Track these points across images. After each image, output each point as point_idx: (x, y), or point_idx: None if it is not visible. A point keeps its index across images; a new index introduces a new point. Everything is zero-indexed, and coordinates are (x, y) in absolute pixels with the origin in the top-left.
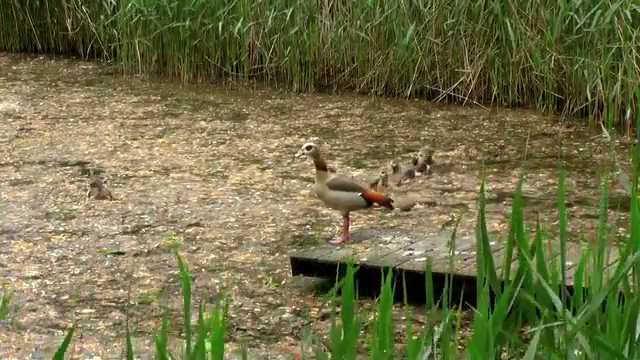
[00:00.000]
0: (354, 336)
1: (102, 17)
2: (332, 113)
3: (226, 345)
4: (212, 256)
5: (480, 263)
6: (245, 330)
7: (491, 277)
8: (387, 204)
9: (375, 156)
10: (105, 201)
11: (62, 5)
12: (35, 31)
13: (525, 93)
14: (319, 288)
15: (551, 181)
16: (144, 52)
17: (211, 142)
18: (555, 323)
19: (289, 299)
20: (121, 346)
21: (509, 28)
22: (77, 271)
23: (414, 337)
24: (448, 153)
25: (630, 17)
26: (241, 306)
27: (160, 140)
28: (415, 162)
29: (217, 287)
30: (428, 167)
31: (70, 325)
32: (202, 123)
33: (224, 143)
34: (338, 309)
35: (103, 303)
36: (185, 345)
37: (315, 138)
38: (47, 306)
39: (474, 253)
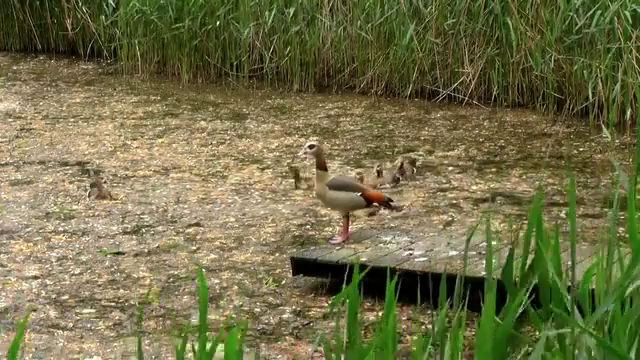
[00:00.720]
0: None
1: (102, 17)
2: (332, 113)
3: None
4: (212, 256)
5: (489, 264)
6: (245, 330)
7: (506, 279)
8: (387, 204)
9: (375, 156)
10: (105, 201)
11: (62, 5)
12: (35, 31)
13: (525, 93)
14: (319, 288)
15: (550, 181)
16: (144, 52)
17: (211, 142)
18: (567, 330)
19: (289, 299)
20: (121, 346)
21: (510, 28)
22: (77, 271)
23: (414, 337)
24: (448, 153)
25: (630, 17)
26: (241, 306)
27: (160, 140)
28: (400, 166)
29: (217, 287)
30: (408, 173)
31: (70, 325)
32: (202, 123)
33: (224, 143)
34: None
35: (103, 303)
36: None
37: (315, 138)
38: (47, 306)
39: (472, 253)
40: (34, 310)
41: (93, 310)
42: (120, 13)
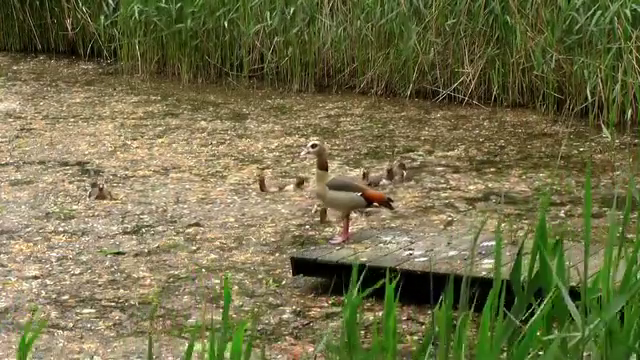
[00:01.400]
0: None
1: (102, 17)
2: (332, 113)
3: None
4: (212, 256)
5: (499, 265)
6: (245, 330)
7: (515, 281)
8: (387, 204)
9: (375, 156)
10: (105, 201)
11: (62, 5)
12: (35, 31)
13: (525, 93)
14: (319, 288)
15: (550, 181)
16: (144, 52)
17: (211, 142)
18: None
19: (289, 299)
20: (121, 346)
21: (510, 28)
22: (77, 271)
23: (415, 337)
24: (448, 153)
25: (630, 17)
26: (241, 306)
27: (160, 140)
28: (389, 171)
29: (217, 287)
30: (397, 176)
31: (70, 325)
32: (202, 123)
33: (224, 143)
34: (338, 309)
35: (103, 303)
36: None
37: (316, 138)
38: (47, 306)
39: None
40: (34, 310)
41: (93, 310)
42: (120, 13)
